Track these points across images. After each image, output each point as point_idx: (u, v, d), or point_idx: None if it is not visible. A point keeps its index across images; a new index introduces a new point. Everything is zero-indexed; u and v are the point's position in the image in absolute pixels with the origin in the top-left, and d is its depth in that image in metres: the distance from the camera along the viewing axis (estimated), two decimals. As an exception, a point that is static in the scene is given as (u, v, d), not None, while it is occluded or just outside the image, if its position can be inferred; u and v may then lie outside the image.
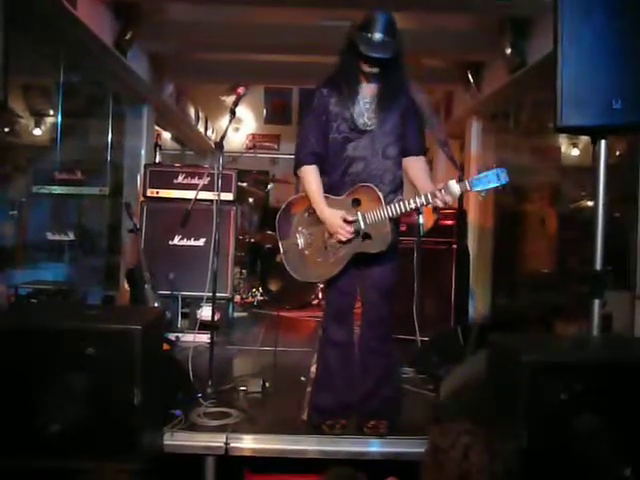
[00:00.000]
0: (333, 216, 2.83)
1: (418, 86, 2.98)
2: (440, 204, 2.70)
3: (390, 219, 2.76)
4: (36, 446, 2.38)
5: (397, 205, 2.75)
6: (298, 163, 2.96)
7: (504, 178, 2.60)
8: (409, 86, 2.95)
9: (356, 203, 2.83)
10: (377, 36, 2.73)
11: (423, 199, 2.73)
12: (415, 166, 2.99)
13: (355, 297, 3.09)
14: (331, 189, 2.93)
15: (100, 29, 4.90)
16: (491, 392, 2.49)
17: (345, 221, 2.80)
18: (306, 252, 2.97)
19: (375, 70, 2.82)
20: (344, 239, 2.82)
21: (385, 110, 2.89)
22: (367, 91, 2.91)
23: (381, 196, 2.76)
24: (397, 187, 2.95)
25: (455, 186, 2.64)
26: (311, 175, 2.92)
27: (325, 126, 2.92)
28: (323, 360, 3.13)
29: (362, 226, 2.80)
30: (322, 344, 3.15)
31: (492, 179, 2.61)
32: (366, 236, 2.81)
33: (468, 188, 2.64)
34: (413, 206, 2.75)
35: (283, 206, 3.09)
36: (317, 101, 2.96)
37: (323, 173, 2.97)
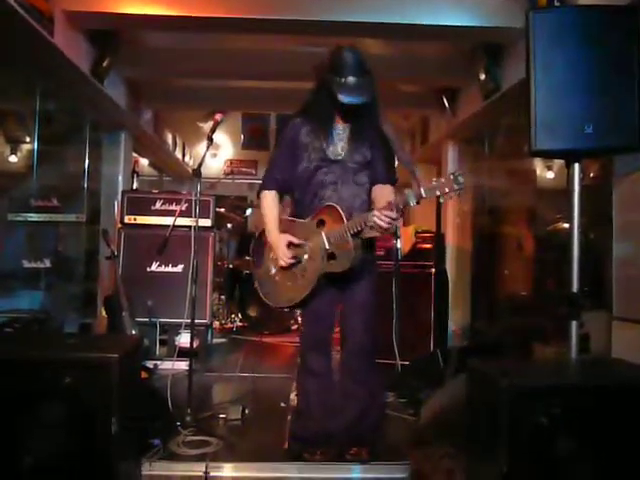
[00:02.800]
0: (279, 240, 2.90)
1: (384, 114, 3.00)
2: (383, 224, 2.61)
3: (352, 236, 2.71)
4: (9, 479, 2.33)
5: (355, 222, 2.70)
6: (260, 188, 3.05)
7: (459, 181, 2.48)
8: (379, 117, 2.97)
9: (321, 224, 2.84)
10: (350, 80, 2.76)
11: (374, 214, 2.63)
12: (379, 192, 2.96)
13: (332, 324, 3.05)
14: (302, 214, 2.95)
15: (77, 56, 4.90)
16: (471, 416, 2.48)
17: (291, 244, 2.87)
18: (277, 278, 2.98)
19: (351, 112, 2.86)
20: (284, 264, 2.89)
21: (356, 140, 2.93)
22: (340, 120, 2.95)
23: (343, 215, 2.75)
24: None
25: (410, 195, 2.56)
26: (268, 200, 3.00)
27: (293, 156, 2.96)
28: (302, 389, 3.10)
29: (326, 245, 2.79)
30: (300, 373, 3.12)
31: (447, 184, 2.51)
32: (331, 256, 2.80)
33: (423, 195, 2.53)
34: (371, 220, 2.64)
35: (256, 235, 3.14)
36: (288, 132, 3.02)
37: (294, 201, 3.02)
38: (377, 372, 3.11)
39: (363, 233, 2.73)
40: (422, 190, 2.56)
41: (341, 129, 2.95)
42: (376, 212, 2.64)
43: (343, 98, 2.76)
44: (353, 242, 2.73)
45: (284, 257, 2.88)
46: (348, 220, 2.74)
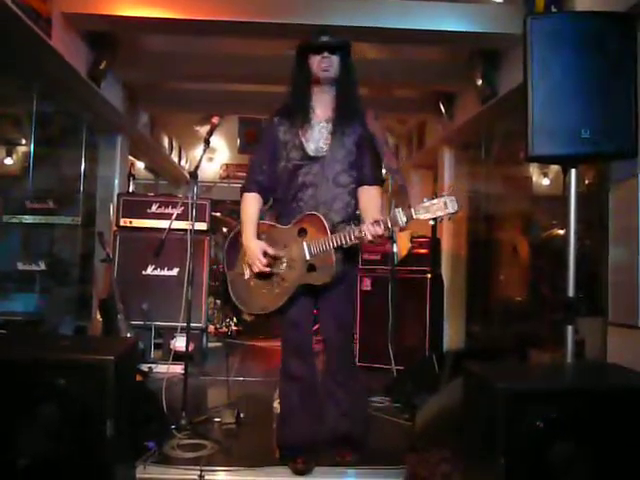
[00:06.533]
0: (255, 247, 2.82)
1: (372, 114, 2.97)
2: (370, 237, 2.59)
3: (336, 250, 2.68)
4: (3, 482, 2.32)
5: (341, 235, 2.66)
6: (241, 190, 2.99)
7: (452, 207, 2.48)
8: (364, 115, 2.92)
9: (302, 233, 2.77)
10: (324, 38, 2.84)
11: (361, 230, 2.63)
12: (366, 195, 2.89)
13: (310, 328, 3.01)
14: (281, 217, 2.91)
15: (74, 59, 4.89)
16: (467, 420, 2.48)
17: (265, 254, 2.80)
18: (251, 283, 2.91)
19: (327, 71, 2.82)
20: (256, 270, 2.82)
21: (339, 136, 2.85)
22: (321, 115, 2.89)
23: (327, 226, 2.70)
24: (349, 216, 2.87)
25: (400, 214, 2.55)
26: (248, 202, 2.93)
27: (273, 156, 2.91)
28: (283, 395, 3.03)
29: (307, 257, 2.73)
30: (281, 379, 3.03)
31: (439, 207, 2.49)
32: (311, 267, 2.74)
33: (413, 216, 2.53)
34: (357, 234, 2.63)
35: (231, 235, 3.06)
36: (266, 131, 2.98)
37: (274, 202, 2.97)
38: (356, 373, 3.11)
39: (346, 244, 2.69)
40: (413, 211, 2.54)
41: (324, 123, 2.87)
42: (364, 227, 2.62)
43: (315, 39, 2.83)
44: (335, 256, 2.68)
45: (259, 264, 2.80)
46: (332, 232, 2.69)
